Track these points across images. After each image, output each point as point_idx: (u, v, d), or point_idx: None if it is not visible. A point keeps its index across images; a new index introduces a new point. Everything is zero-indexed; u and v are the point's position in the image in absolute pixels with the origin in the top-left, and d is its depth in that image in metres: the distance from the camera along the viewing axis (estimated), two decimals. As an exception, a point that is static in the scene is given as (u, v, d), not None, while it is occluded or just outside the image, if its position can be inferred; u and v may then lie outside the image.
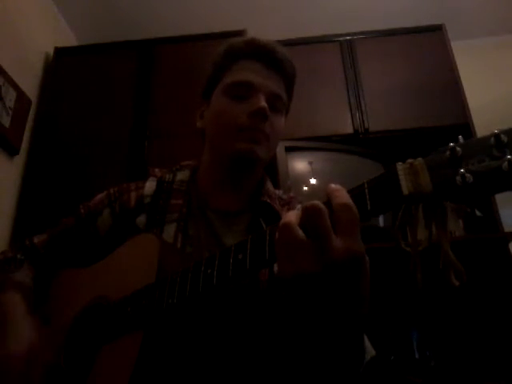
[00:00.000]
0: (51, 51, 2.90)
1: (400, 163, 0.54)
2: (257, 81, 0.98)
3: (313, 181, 2.53)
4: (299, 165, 2.57)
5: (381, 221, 2.31)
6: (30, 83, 2.71)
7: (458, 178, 0.47)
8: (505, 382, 1.99)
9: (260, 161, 0.99)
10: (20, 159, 2.59)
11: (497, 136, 0.46)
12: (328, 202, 0.55)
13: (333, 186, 0.56)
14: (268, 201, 1.03)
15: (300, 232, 0.55)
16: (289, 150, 2.48)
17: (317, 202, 0.54)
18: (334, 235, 0.53)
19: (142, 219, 1.01)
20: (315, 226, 0.53)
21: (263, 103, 0.95)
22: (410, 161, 0.53)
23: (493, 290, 2.22)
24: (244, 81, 0.99)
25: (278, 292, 0.87)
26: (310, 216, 0.54)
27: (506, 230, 2.25)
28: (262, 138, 0.97)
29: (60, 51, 2.90)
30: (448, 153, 0.49)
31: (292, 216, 0.57)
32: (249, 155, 0.96)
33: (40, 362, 0.87)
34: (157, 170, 1.14)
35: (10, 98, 2.45)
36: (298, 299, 0.57)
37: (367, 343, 0.76)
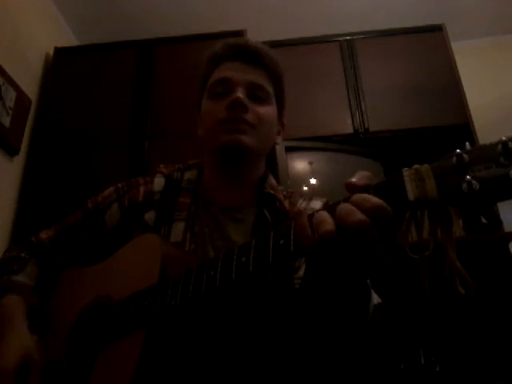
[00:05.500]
0: (51, 51, 2.89)
1: (406, 169, 0.54)
2: (233, 75, 1.00)
3: (313, 181, 2.54)
4: (299, 165, 2.57)
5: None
6: (29, 83, 2.71)
7: (465, 185, 0.47)
8: (505, 382, 1.99)
9: (249, 149, 0.98)
10: (20, 159, 2.59)
11: (504, 143, 0.46)
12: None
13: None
14: (271, 192, 1.04)
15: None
16: (289, 150, 2.48)
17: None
18: None
19: (150, 215, 1.02)
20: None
21: (238, 94, 0.97)
22: (416, 166, 0.53)
23: (493, 290, 2.22)
24: (221, 78, 1.02)
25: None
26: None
27: (506, 229, 2.25)
28: (245, 126, 0.97)
29: (60, 51, 2.89)
30: (454, 159, 0.49)
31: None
32: (234, 144, 0.96)
33: (37, 363, 0.87)
34: (162, 165, 1.15)
35: (10, 98, 2.45)
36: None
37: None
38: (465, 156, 0.49)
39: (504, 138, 0.46)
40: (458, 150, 0.49)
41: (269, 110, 1.03)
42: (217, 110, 0.99)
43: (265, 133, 1.02)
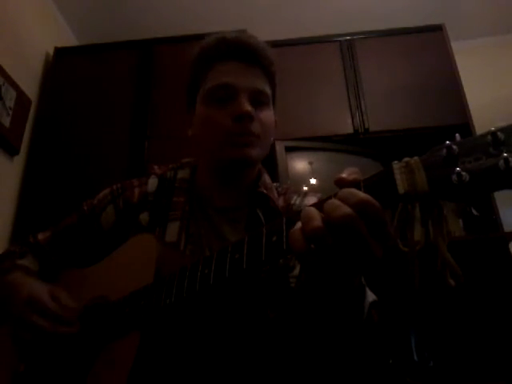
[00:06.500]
0: (51, 51, 2.90)
1: (396, 162, 0.53)
2: (235, 81, 0.97)
3: (313, 181, 2.53)
4: (299, 165, 2.57)
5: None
6: (30, 83, 2.72)
7: (454, 177, 0.47)
8: (505, 382, 1.98)
9: (255, 160, 0.99)
10: (20, 159, 2.59)
11: (493, 134, 0.46)
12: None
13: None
14: (264, 191, 1.03)
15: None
16: (289, 150, 2.48)
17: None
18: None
19: (144, 216, 1.02)
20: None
21: (246, 107, 0.94)
22: (406, 159, 0.52)
23: (493, 290, 2.22)
24: (222, 84, 0.97)
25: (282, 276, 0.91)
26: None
27: (506, 229, 2.25)
28: (253, 139, 0.96)
29: (60, 51, 2.90)
30: (444, 151, 0.49)
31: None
32: (243, 159, 0.96)
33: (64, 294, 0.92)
34: (156, 167, 1.15)
35: (10, 97, 2.45)
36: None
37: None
38: (454, 147, 0.48)
39: (493, 129, 0.46)
40: (447, 142, 0.48)
41: (269, 115, 1.02)
42: (221, 119, 0.96)
43: (267, 140, 1.02)
